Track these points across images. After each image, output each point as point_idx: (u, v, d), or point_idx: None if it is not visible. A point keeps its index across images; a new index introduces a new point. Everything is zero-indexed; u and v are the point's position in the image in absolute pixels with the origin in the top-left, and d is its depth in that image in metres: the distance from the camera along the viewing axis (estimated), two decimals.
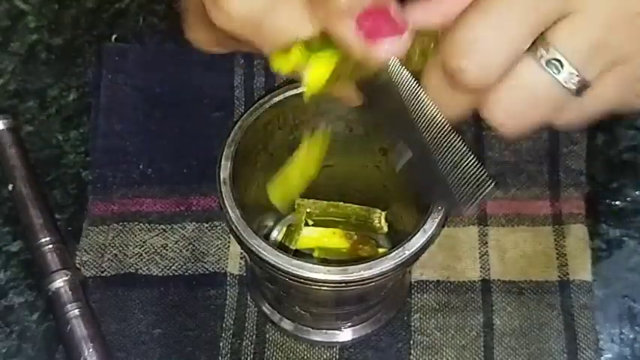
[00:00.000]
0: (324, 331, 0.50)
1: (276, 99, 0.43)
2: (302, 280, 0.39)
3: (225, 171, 0.41)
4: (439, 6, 0.30)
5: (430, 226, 0.39)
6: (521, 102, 0.30)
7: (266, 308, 0.50)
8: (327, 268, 0.38)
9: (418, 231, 0.39)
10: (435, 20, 0.31)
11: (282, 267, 0.38)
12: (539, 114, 0.31)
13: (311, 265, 0.38)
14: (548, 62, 0.29)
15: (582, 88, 0.30)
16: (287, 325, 0.50)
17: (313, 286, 0.39)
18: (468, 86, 0.29)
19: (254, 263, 0.42)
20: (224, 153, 0.41)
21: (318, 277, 0.38)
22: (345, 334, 0.50)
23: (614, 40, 0.29)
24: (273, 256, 0.39)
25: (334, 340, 0.50)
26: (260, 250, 0.39)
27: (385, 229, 0.51)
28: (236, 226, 0.40)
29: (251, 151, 0.44)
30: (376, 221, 0.51)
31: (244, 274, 0.52)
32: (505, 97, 0.30)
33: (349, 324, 0.49)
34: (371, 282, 0.39)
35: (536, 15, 0.29)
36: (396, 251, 0.39)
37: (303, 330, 0.50)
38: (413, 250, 0.39)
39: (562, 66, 0.29)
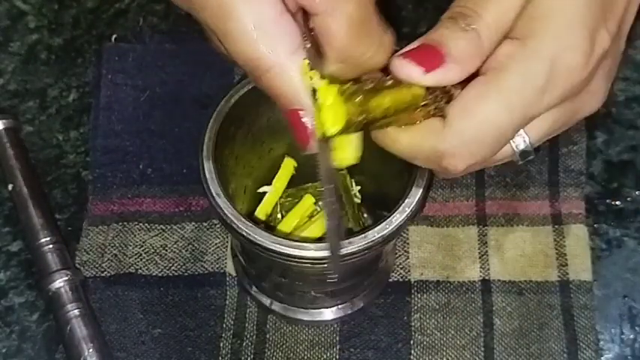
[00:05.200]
0: (310, 310, 0.50)
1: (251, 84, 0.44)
2: (286, 258, 0.40)
3: (208, 161, 0.42)
4: None
5: (412, 200, 0.41)
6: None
7: (250, 287, 0.51)
8: (315, 244, 0.39)
9: (400, 205, 0.41)
10: None
11: (267, 245, 0.39)
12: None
13: (298, 242, 0.40)
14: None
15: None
16: (276, 306, 0.50)
17: (306, 264, 0.40)
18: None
19: (241, 243, 0.43)
20: (205, 140, 0.43)
21: (307, 255, 0.39)
22: (330, 313, 0.50)
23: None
24: (258, 235, 0.40)
25: (320, 319, 0.50)
26: (247, 230, 0.40)
27: (357, 193, 0.51)
28: (217, 202, 0.40)
29: (230, 134, 0.45)
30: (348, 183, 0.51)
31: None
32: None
33: (338, 301, 0.50)
34: (354, 258, 0.40)
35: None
36: (380, 225, 0.40)
37: (289, 309, 0.50)
38: (395, 224, 0.40)
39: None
